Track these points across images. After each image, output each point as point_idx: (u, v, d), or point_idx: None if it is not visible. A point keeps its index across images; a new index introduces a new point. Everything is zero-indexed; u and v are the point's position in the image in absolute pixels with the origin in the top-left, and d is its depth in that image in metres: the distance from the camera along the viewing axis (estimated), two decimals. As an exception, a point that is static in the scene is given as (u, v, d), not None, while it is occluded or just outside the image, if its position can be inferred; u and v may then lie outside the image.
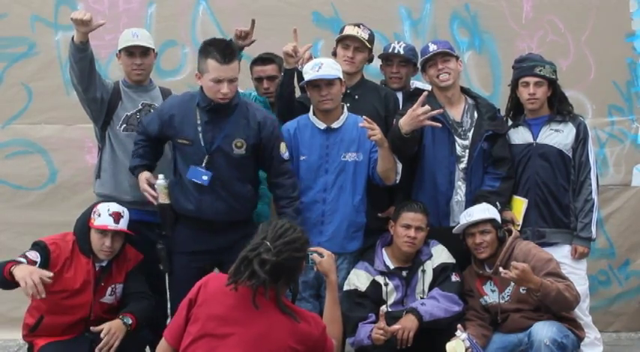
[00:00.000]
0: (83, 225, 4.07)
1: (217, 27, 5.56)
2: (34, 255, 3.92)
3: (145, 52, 4.47)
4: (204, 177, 4.03)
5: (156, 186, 4.12)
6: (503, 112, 4.70)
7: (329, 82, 4.19)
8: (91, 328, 3.90)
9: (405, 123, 4.14)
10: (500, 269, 3.97)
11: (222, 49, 3.89)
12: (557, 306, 4.00)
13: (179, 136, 4.09)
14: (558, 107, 4.57)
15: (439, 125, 4.25)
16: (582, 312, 4.47)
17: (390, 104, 4.55)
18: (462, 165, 4.43)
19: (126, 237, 4.12)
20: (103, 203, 4.12)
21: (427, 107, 4.14)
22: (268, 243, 2.90)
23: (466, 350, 3.80)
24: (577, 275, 4.40)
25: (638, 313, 5.71)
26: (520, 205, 4.49)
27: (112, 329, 3.86)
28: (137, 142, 4.27)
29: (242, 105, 4.10)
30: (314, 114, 4.34)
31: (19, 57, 5.58)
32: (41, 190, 5.64)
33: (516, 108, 4.66)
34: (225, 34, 5.52)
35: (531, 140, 4.53)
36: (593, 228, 4.52)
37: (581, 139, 4.53)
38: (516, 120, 4.65)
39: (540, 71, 4.48)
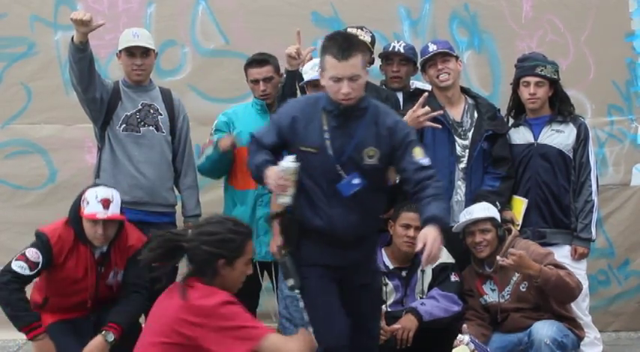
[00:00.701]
0: (75, 214, 3.98)
1: (217, 27, 5.56)
2: (36, 256, 3.88)
3: (145, 52, 4.47)
4: (355, 181, 3.50)
5: (280, 171, 3.39)
6: (503, 112, 4.71)
7: None
8: None
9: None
10: (498, 257, 3.99)
11: (340, 44, 3.41)
12: (558, 292, 3.99)
13: (303, 143, 3.50)
14: (559, 107, 4.57)
15: (439, 126, 4.26)
16: (582, 312, 4.47)
17: (390, 106, 4.55)
18: (462, 165, 4.44)
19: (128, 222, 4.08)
20: (91, 189, 3.98)
21: (427, 108, 4.15)
22: (190, 231, 3.11)
23: None
24: (577, 275, 4.39)
25: (638, 313, 5.71)
26: (520, 205, 4.49)
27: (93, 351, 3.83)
28: (252, 153, 3.63)
29: (372, 109, 3.56)
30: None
31: (18, 57, 5.57)
32: (41, 190, 5.63)
33: (518, 107, 4.66)
34: (224, 34, 5.56)
35: (532, 140, 4.54)
36: (593, 229, 4.53)
37: (581, 140, 4.54)
38: (517, 119, 4.65)
39: (542, 71, 4.48)
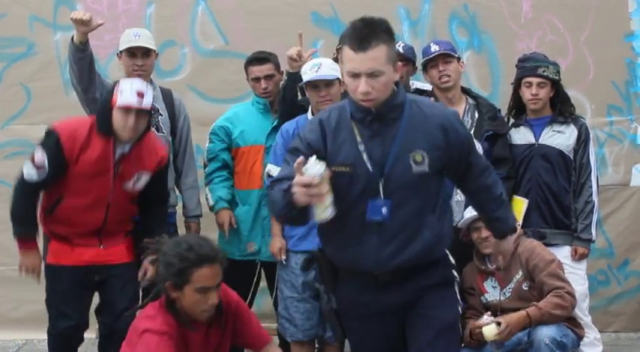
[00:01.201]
0: (105, 104, 3.90)
1: (216, 27, 5.56)
2: (41, 159, 3.84)
3: (146, 52, 4.46)
4: (384, 209, 2.88)
5: (307, 175, 2.72)
6: (502, 112, 4.71)
7: (328, 83, 4.18)
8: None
9: None
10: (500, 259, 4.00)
11: (359, 31, 2.81)
12: (552, 322, 4.01)
13: (335, 162, 2.88)
14: (560, 108, 4.57)
15: None
16: (582, 312, 4.47)
17: None
18: (463, 165, 4.43)
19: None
20: (126, 80, 3.96)
21: None
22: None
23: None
24: (577, 275, 4.41)
25: (638, 313, 5.71)
26: (520, 205, 4.49)
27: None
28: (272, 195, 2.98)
29: (411, 105, 2.96)
30: (312, 114, 4.34)
31: (17, 57, 5.57)
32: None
33: (518, 107, 4.66)
34: (224, 34, 5.56)
35: (533, 140, 4.54)
36: (594, 230, 4.53)
37: (582, 141, 4.54)
38: (518, 119, 4.65)
39: (544, 72, 4.48)
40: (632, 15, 5.65)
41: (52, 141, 3.86)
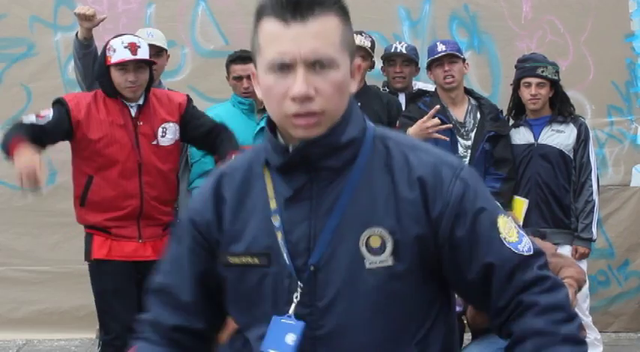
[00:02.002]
0: (101, 67, 3.85)
1: (217, 28, 5.56)
2: (46, 111, 3.80)
3: (158, 52, 4.44)
4: (290, 339, 1.57)
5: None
6: (503, 112, 4.71)
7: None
8: None
9: (413, 132, 4.12)
10: None
11: None
12: None
13: (235, 251, 1.65)
14: (560, 108, 4.58)
15: (447, 139, 4.23)
16: (582, 312, 4.47)
17: (392, 110, 4.56)
18: (463, 166, 4.43)
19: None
20: (116, 38, 3.84)
21: (437, 120, 4.14)
22: None
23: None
24: (577, 275, 4.41)
25: (638, 313, 5.70)
26: (521, 206, 4.49)
27: None
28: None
29: (377, 144, 1.68)
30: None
31: (18, 57, 5.57)
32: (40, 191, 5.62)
33: (518, 107, 4.67)
34: (224, 34, 5.56)
35: (532, 140, 4.54)
36: (594, 229, 4.54)
37: (582, 140, 4.54)
38: (517, 120, 4.65)
39: (543, 72, 4.49)
40: (632, 15, 5.65)
41: (58, 103, 3.84)
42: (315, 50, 1.51)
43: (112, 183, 3.83)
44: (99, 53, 4.11)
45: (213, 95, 5.51)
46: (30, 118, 3.79)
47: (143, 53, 3.78)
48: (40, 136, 3.71)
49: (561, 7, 5.64)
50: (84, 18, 4.12)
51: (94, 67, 4.23)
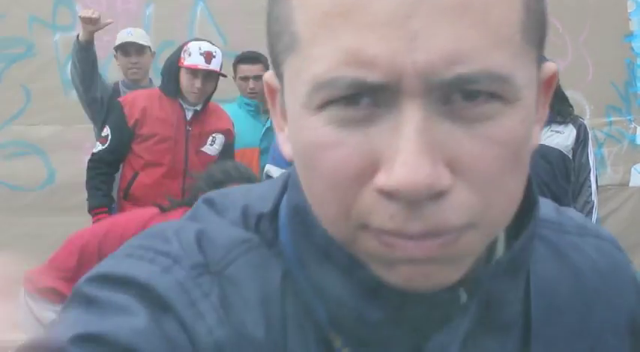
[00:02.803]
0: (172, 65, 3.92)
1: (215, 28, 5.56)
2: (105, 129, 3.91)
3: (139, 49, 4.48)
4: None
5: None
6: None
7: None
8: None
9: None
10: None
11: None
12: None
13: None
14: (559, 108, 4.57)
15: None
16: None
17: None
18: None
19: None
20: (195, 41, 3.96)
21: None
22: None
23: None
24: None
25: (637, 313, 5.71)
26: (520, 206, 4.50)
27: None
28: None
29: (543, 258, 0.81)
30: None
31: (17, 58, 5.56)
32: (39, 191, 5.63)
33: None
34: (223, 34, 5.55)
35: (532, 141, 4.56)
36: (593, 229, 4.54)
37: (581, 141, 4.54)
38: (516, 120, 4.66)
39: (541, 72, 4.49)
40: (631, 15, 5.65)
41: (114, 109, 3.92)
42: (460, 55, 0.58)
43: (154, 182, 3.92)
44: (96, 54, 4.16)
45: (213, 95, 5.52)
46: (97, 148, 3.92)
47: (216, 64, 3.86)
48: (111, 162, 3.93)
49: (560, 7, 5.63)
50: (88, 21, 4.11)
51: (92, 70, 4.26)
